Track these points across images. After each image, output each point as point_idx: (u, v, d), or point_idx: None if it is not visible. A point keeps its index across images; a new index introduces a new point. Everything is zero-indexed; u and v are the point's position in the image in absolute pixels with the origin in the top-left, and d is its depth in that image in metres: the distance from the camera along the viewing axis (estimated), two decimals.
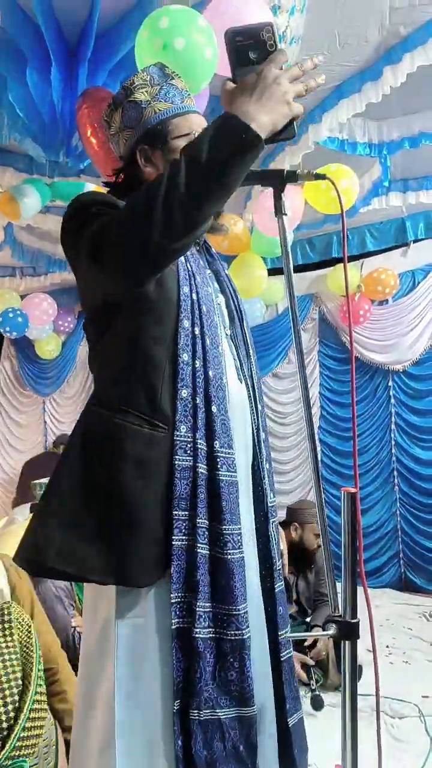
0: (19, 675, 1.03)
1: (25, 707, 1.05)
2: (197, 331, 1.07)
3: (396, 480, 4.74)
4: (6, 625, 1.07)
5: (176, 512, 0.98)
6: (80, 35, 2.46)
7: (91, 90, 2.41)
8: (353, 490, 0.86)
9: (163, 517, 0.99)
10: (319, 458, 4.98)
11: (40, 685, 1.17)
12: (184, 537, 0.99)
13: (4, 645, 1.05)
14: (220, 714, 0.97)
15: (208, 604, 0.98)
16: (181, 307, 1.06)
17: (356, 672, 0.92)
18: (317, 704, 2.52)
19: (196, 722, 0.95)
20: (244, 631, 1.00)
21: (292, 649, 1.18)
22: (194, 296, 1.08)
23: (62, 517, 1.00)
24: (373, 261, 4.72)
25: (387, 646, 3.28)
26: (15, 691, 1.02)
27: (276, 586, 1.15)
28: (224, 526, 1.01)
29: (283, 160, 3.35)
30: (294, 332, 1.05)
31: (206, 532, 1.00)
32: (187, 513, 0.99)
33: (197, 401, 1.03)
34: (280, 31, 2.14)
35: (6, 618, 1.08)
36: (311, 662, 2.66)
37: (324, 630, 0.92)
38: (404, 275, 4.69)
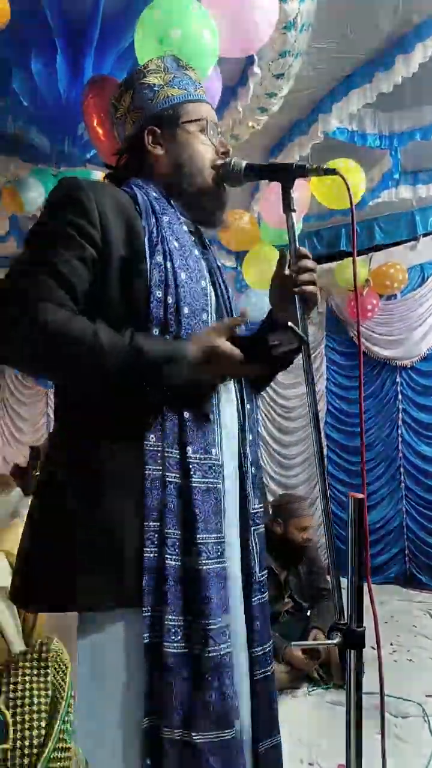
0: (43, 724, 0.94)
1: (42, 758, 0.94)
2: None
3: (402, 477, 4.70)
4: (42, 663, 0.96)
5: (147, 523, 0.95)
6: (86, 23, 2.42)
7: (97, 78, 2.38)
8: (360, 496, 0.83)
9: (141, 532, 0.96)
10: (325, 454, 4.94)
11: (65, 731, 1.05)
12: (154, 548, 0.94)
13: (35, 688, 0.96)
14: (195, 738, 0.90)
15: (180, 618, 0.93)
16: (152, 313, 0.99)
17: (361, 681, 0.89)
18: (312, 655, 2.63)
19: (168, 741, 0.89)
20: (221, 647, 0.94)
21: (269, 668, 1.09)
22: (170, 300, 1.01)
23: (53, 553, 0.96)
24: (382, 255, 4.66)
25: (391, 644, 3.25)
26: (35, 742, 0.94)
27: (254, 599, 1.08)
28: (198, 536, 0.96)
29: (291, 151, 3.30)
30: (301, 326, 1.03)
31: (176, 543, 0.95)
32: (157, 524, 0.95)
33: (164, 408, 0.98)
34: (291, 18, 2.10)
35: (43, 656, 0.98)
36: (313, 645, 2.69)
37: (328, 635, 0.89)
38: (413, 269, 4.63)
